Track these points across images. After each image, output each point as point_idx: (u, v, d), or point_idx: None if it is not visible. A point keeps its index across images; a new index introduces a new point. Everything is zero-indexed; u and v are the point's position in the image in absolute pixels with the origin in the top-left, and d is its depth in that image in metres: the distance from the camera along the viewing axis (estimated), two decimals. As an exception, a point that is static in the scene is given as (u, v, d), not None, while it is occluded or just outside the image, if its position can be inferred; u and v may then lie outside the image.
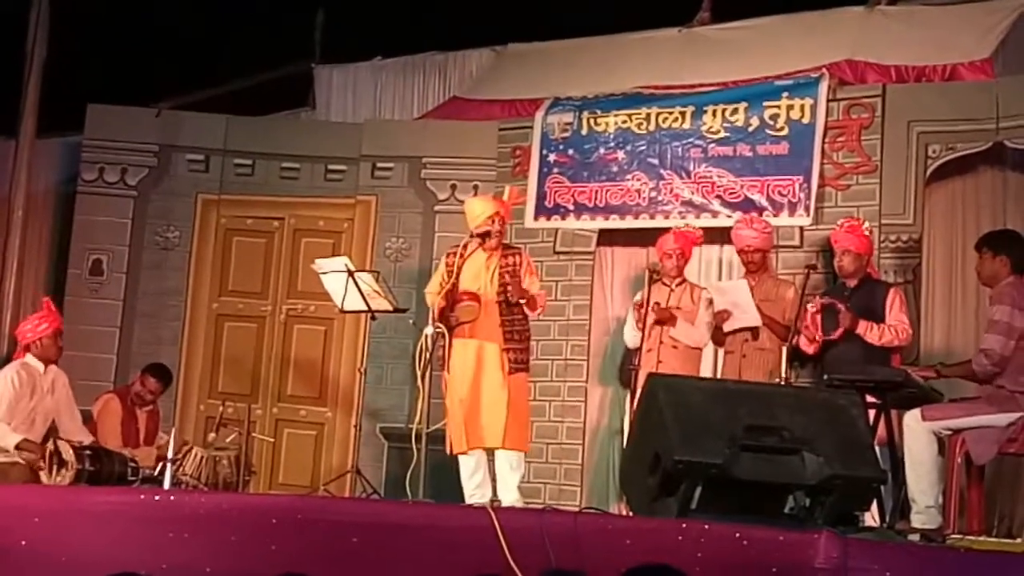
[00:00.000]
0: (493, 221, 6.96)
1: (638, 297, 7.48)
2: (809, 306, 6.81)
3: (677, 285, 7.45)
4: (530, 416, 7.21)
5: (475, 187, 8.81)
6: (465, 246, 6.96)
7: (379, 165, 9.14)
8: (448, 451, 6.98)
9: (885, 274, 7.51)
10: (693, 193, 8.20)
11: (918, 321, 7.52)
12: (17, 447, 6.96)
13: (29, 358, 7.29)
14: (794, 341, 6.79)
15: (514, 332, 6.91)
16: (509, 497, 6.86)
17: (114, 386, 8.60)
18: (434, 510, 5.57)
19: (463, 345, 6.90)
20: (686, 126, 8.29)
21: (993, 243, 6.06)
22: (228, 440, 7.56)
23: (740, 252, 7.45)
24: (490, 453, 7.00)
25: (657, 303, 7.23)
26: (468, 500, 6.87)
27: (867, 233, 7.02)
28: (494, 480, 7.02)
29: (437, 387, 7.01)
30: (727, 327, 7.25)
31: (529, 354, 7.07)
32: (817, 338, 6.83)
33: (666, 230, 7.74)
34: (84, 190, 9.33)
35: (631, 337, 7.51)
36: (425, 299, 7.23)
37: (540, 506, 6.66)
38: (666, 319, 7.24)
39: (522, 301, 6.89)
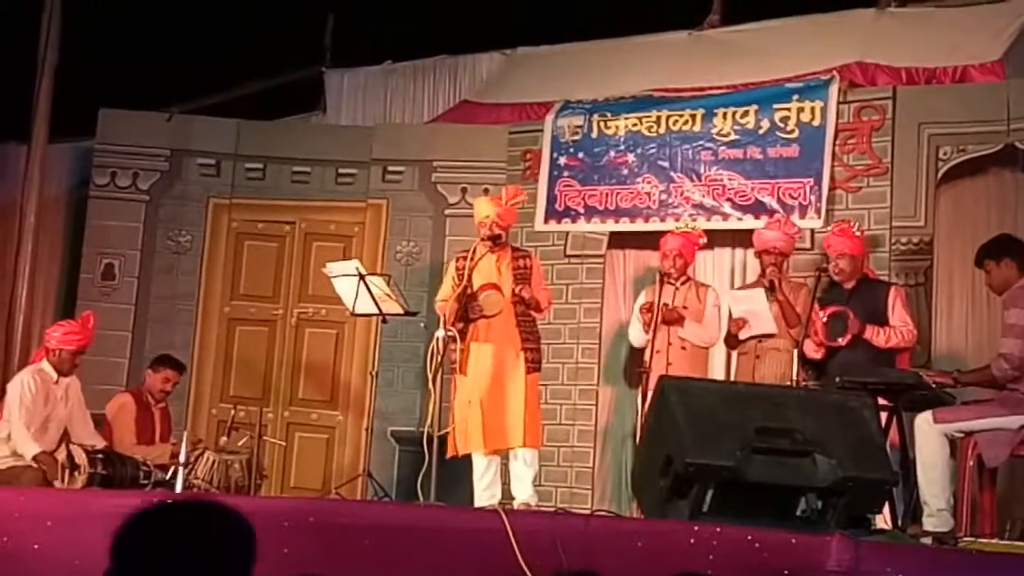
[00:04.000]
0: (490, 225, 6.97)
1: (642, 298, 7.49)
2: (820, 313, 6.79)
3: (682, 284, 7.43)
4: (540, 413, 7.20)
5: (485, 190, 8.79)
6: (474, 250, 6.98)
7: (390, 169, 9.16)
8: (449, 453, 6.94)
9: (896, 276, 7.51)
10: (703, 196, 8.19)
11: (929, 323, 7.51)
12: (34, 459, 7.00)
13: (45, 364, 7.33)
14: (804, 345, 6.78)
15: (530, 333, 6.95)
16: (524, 493, 6.88)
17: (126, 389, 8.62)
18: (445, 512, 5.58)
19: (479, 348, 6.91)
20: (696, 129, 8.29)
21: (992, 252, 6.02)
22: (240, 444, 7.58)
23: (763, 253, 7.27)
24: (503, 453, 7.00)
25: (666, 304, 7.22)
26: (478, 501, 6.87)
27: (858, 234, 7.01)
28: (507, 482, 7.03)
29: (448, 390, 7.02)
30: (743, 335, 7.19)
31: (541, 354, 7.10)
32: (824, 343, 6.82)
33: (672, 232, 7.74)
34: (96, 195, 9.36)
35: (637, 337, 7.52)
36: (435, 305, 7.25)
37: (552, 509, 6.67)
38: (674, 320, 7.23)
39: (527, 299, 6.90)
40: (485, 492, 6.91)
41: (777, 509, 4.84)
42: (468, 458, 7.00)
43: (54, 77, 9.27)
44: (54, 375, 7.30)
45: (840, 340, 6.72)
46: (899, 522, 5.85)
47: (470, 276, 6.91)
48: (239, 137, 9.42)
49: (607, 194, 8.50)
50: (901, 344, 6.75)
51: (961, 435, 5.77)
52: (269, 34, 10.28)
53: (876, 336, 6.71)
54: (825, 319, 6.78)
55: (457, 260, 7.14)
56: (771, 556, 4.36)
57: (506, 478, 7.03)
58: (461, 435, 6.92)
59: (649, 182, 8.37)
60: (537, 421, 7.03)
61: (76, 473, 6.83)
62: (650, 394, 6.05)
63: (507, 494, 7.01)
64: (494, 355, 6.89)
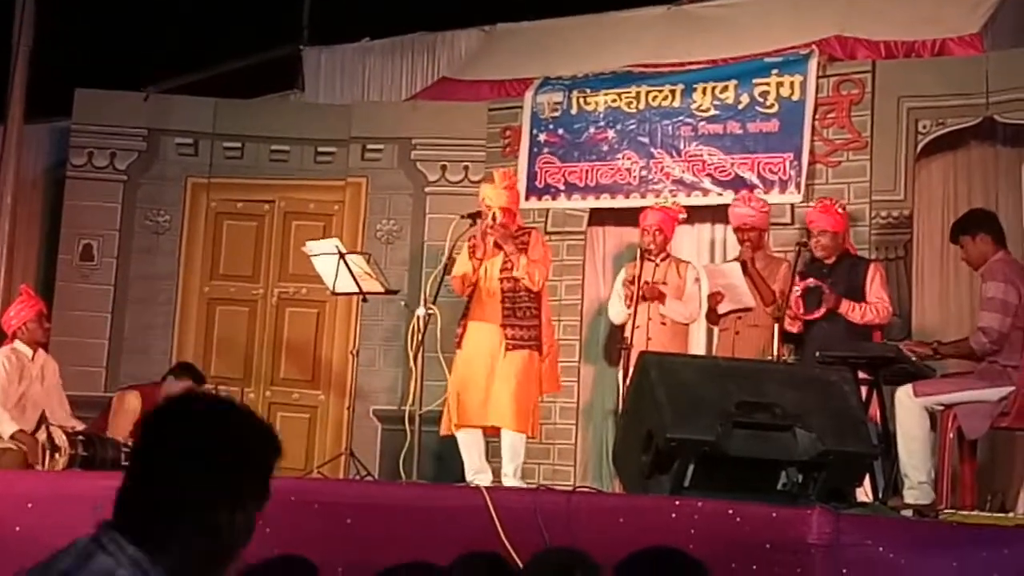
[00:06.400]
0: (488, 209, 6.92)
1: (623, 275, 7.47)
2: (795, 288, 6.79)
3: (662, 260, 7.42)
4: (532, 396, 6.88)
5: (465, 167, 8.81)
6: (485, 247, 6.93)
7: (369, 147, 9.12)
8: (441, 431, 6.96)
9: (876, 250, 7.52)
10: (684, 171, 8.19)
11: (909, 296, 7.53)
12: (11, 437, 6.98)
13: (17, 344, 7.32)
14: (785, 321, 6.79)
15: (515, 309, 6.83)
16: (506, 483, 6.81)
17: (105, 371, 8.62)
18: (427, 490, 5.59)
19: (474, 328, 6.90)
20: (676, 104, 8.28)
21: (967, 227, 6.04)
22: (221, 424, 7.53)
23: (736, 230, 7.33)
24: (488, 433, 6.96)
25: (646, 281, 7.22)
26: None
27: (841, 211, 7.01)
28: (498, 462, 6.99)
29: (430, 368, 6.99)
30: (721, 309, 7.22)
31: (538, 332, 6.85)
32: (799, 316, 6.82)
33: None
34: (73, 175, 9.29)
35: (617, 313, 7.50)
36: (425, 280, 7.19)
37: (534, 486, 6.67)
38: (655, 297, 7.23)
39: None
40: (476, 477, 6.80)
41: (758, 483, 4.85)
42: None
43: (29, 57, 9.20)
44: (28, 352, 7.29)
45: (815, 313, 6.73)
46: (880, 495, 5.88)
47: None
48: (217, 116, 9.36)
49: (587, 171, 8.48)
50: (876, 320, 6.77)
51: (941, 408, 5.80)
52: (246, 12, 10.21)
53: (851, 311, 6.72)
54: (800, 292, 6.79)
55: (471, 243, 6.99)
56: (752, 530, 4.38)
57: (498, 458, 6.96)
58: (445, 413, 6.90)
59: (629, 158, 8.36)
60: (521, 403, 6.74)
61: (57, 455, 6.81)
62: (631, 370, 6.06)
63: (498, 474, 6.96)
64: (481, 334, 6.86)
